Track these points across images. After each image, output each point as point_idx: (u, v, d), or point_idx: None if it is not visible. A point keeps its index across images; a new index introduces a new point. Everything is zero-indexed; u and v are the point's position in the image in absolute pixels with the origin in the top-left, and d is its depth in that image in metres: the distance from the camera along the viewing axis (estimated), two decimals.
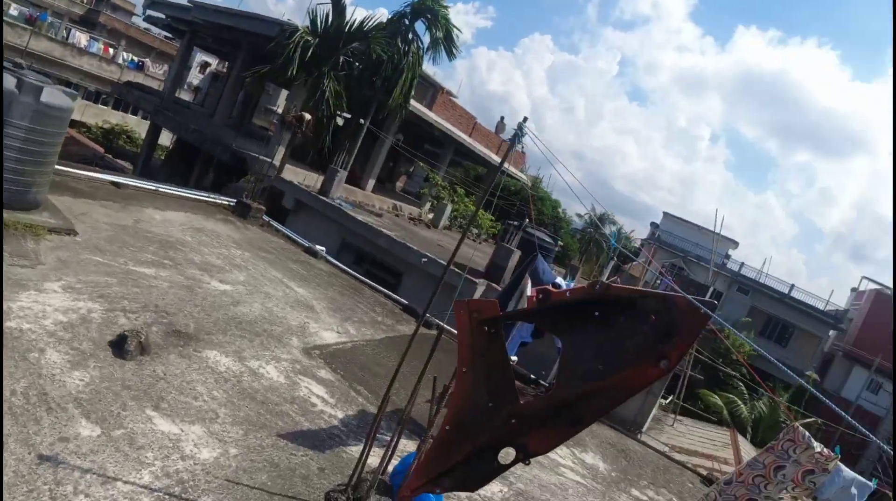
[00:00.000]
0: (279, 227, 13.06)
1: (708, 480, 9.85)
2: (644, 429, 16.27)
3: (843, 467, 6.71)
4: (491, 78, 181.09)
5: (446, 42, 19.48)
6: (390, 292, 11.80)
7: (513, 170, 29.97)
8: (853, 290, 45.88)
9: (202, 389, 5.08)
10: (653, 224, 43.30)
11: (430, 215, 24.26)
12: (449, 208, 24.00)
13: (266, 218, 13.03)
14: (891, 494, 7.42)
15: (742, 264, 40.38)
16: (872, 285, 41.98)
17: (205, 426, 4.59)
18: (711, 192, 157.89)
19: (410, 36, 18.92)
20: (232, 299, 7.52)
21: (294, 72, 16.64)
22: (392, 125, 22.33)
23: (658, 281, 17.76)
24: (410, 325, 10.12)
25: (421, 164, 28.65)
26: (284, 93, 17.07)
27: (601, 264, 39.61)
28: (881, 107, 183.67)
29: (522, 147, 5.97)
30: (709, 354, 30.77)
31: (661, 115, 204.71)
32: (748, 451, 18.41)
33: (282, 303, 8.23)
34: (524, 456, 3.07)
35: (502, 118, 32.81)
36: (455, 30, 19.45)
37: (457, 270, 11.40)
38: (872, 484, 7.12)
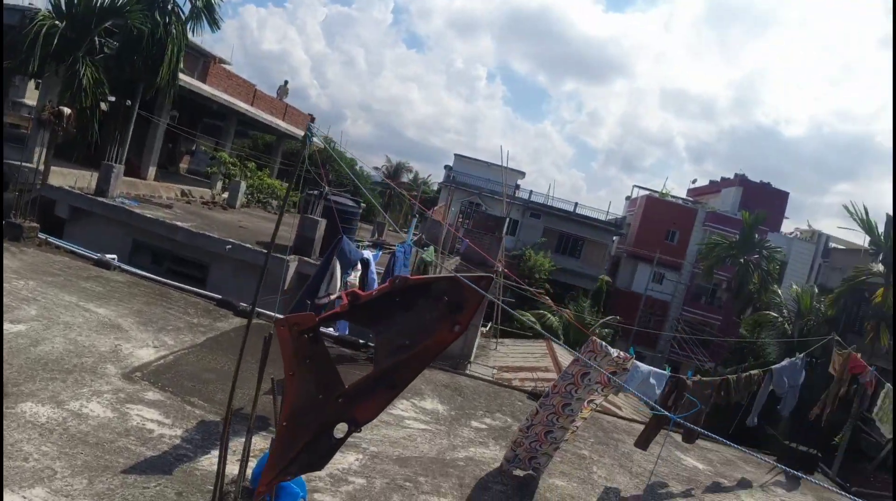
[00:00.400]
0: (59, 243, 11.92)
1: (534, 395, 10.89)
2: (472, 359, 17.49)
3: (638, 363, 7.90)
4: (264, 37, 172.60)
5: (207, 12, 18.42)
6: (200, 290, 11.40)
7: (303, 134, 29.37)
8: (627, 198, 51.87)
9: (29, 448, 4.77)
10: (446, 167, 45.09)
11: (225, 196, 23.26)
12: (243, 184, 23.17)
13: (43, 235, 11.80)
14: (685, 376, 8.87)
15: (531, 192, 43.96)
16: (643, 192, 47.71)
17: (45, 486, 4.38)
18: (495, 128, 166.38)
19: (170, 6, 17.63)
20: (29, 339, 6.91)
21: (36, 63, 14.84)
22: (164, 104, 20.85)
23: (459, 242, 18.80)
24: (230, 320, 9.94)
25: (203, 146, 27.16)
26: (33, 82, 15.25)
27: (405, 213, 40.73)
28: (633, 33, 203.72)
29: (314, 133, 6.09)
30: (515, 278, 33.34)
31: (439, 59, 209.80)
32: (563, 355, 20.54)
33: (85, 330, 7.70)
34: (355, 427, 3.55)
35: (286, 82, 31.85)
36: None
37: (265, 251, 11.29)
38: (666, 372, 8.47)
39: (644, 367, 8.16)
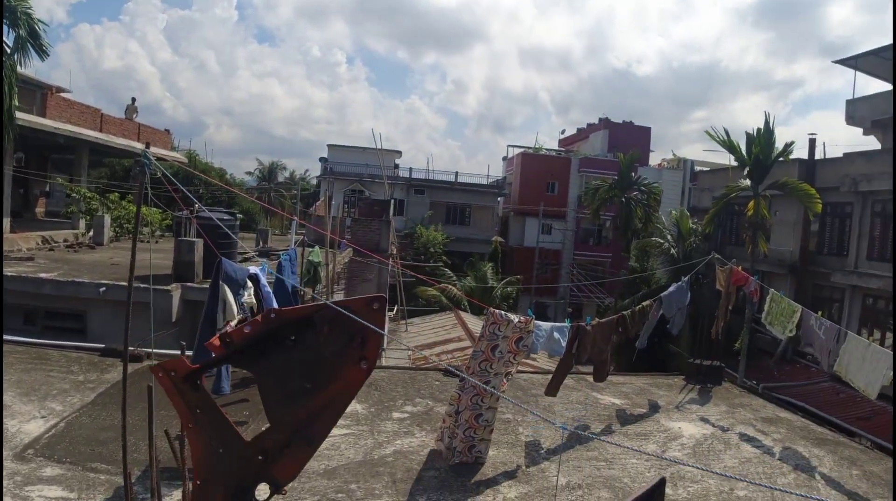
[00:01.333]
0: None
1: (449, 372, 10.82)
2: (385, 345, 17.42)
3: (539, 323, 8.15)
4: (104, 55, 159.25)
5: (33, 40, 17.00)
6: (79, 343, 10.65)
7: (162, 153, 27.93)
8: (504, 158, 52.98)
9: None
10: (322, 159, 44.25)
11: (90, 234, 21.73)
12: (107, 218, 21.71)
13: None
14: (584, 323, 9.20)
15: (411, 169, 44.05)
16: (517, 150, 48.90)
17: None
18: (364, 111, 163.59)
19: None
20: None
21: None
22: (6, 148, 19.14)
23: (339, 244, 18.52)
24: (118, 369, 9.34)
25: (59, 184, 25.17)
26: None
27: (287, 210, 39.67)
28: None
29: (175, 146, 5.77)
30: (411, 256, 33.48)
31: (294, 50, 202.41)
32: (472, 321, 20.92)
33: None
34: (276, 488, 3.21)
35: (133, 100, 30.01)
36: (41, 24, 17.01)
37: (142, 284, 10.68)
38: (567, 324, 8.78)
39: (545, 325, 8.43)
